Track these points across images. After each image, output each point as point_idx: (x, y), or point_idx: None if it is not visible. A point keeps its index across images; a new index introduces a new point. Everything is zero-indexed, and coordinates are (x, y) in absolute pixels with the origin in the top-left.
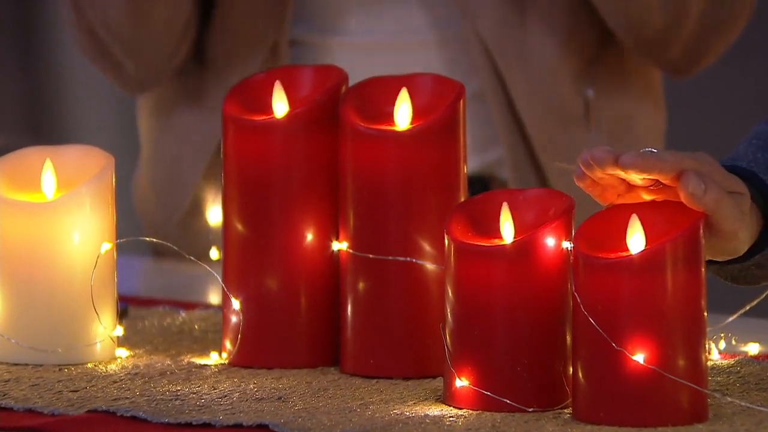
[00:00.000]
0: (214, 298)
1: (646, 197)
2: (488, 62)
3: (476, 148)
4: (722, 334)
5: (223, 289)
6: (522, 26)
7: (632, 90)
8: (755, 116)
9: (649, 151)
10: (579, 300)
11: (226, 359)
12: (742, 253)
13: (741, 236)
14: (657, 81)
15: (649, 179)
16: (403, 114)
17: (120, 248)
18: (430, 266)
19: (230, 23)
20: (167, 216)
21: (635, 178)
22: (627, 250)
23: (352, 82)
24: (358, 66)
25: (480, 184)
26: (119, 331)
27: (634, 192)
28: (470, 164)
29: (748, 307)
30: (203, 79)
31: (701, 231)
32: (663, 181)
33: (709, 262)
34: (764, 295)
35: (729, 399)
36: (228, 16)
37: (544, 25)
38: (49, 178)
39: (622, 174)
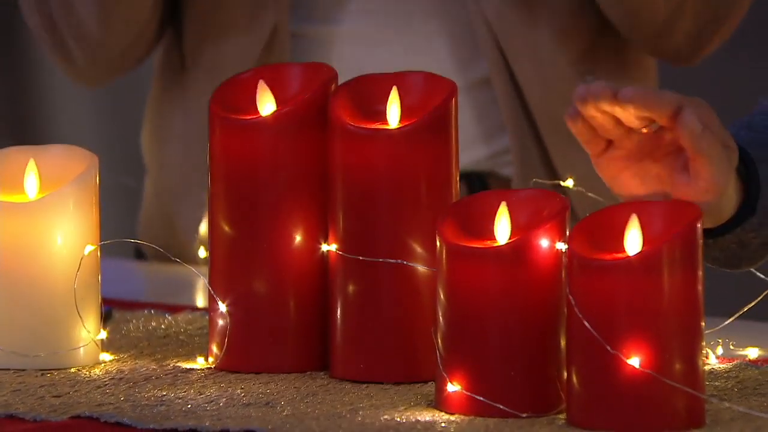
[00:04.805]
0: (201, 301)
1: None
2: (495, 47)
3: (484, 136)
4: (720, 340)
5: (209, 292)
6: (527, 10)
7: (631, 79)
8: (750, 106)
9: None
10: (573, 302)
11: (212, 363)
12: (725, 221)
13: (728, 193)
14: (652, 69)
15: (644, 118)
16: (393, 113)
17: (104, 250)
18: (421, 268)
19: (225, 13)
20: (186, 231)
21: (631, 117)
22: (622, 251)
23: (354, 72)
24: (359, 56)
25: (478, 180)
26: (103, 335)
27: (625, 139)
28: (477, 154)
29: (746, 308)
30: (193, 80)
31: (699, 232)
32: (659, 121)
33: None
34: (762, 297)
35: (727, 404)
36: (222, 7)
37: (547, 9)
38: (31, 178)
39: (617, 112)
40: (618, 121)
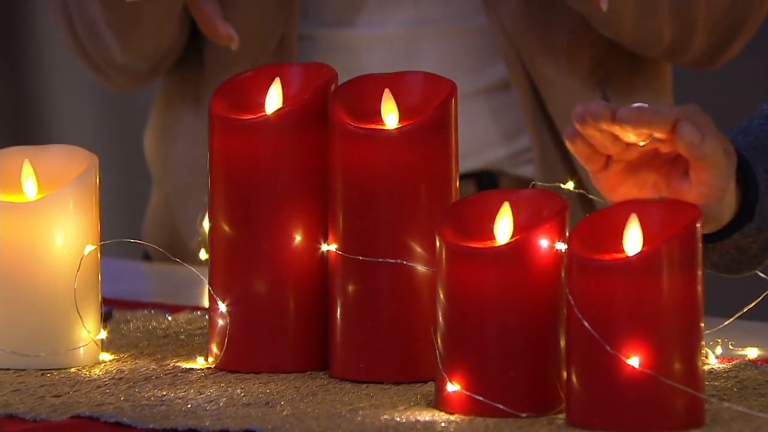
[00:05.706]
0: (201, 301)
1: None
2: (513, 51)
3: (502, 137)
4: (719, 340)
5: (209, 292)
6: (543, 17)
7: (646, 84)
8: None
9: (643, 104)
10: (573, 302)
11: (212, 363)
12: (724, 225)
13: (728, 198)
14: (667, 69)
15: (643, 134)
16: (390, 118)
17: (104, 250)
18: (421, 268)
19: (234, 20)
20: (188, 232)
21: (630, 135)
22: (622, 251)
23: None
24: (374, 60)
25: (489, 179)
26: (103, 334)
27: (624, 153)
28: (495, 154)
29: (746, 309)
30: (205, 81)
31: (699, 232)
32: (657, 135)
33: None
34: (761, 297)
35: (726, 404)
36: (232, 14)
37: (562, 16)
38: (28, 180)
39: (616, 130)
40: (616, 138)
